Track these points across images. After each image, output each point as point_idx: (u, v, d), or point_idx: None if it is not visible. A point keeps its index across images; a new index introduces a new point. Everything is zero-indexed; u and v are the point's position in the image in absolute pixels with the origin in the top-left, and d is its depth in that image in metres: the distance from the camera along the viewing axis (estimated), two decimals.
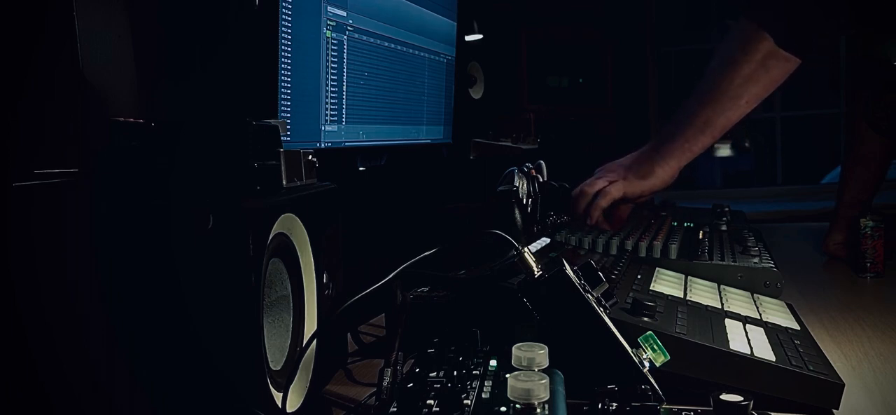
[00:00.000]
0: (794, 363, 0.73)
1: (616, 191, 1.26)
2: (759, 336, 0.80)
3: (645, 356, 0.67)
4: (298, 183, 0.75)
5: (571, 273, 0.69)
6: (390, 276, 0.71)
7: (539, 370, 0.56)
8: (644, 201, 1.38)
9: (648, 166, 1.27)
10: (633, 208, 1.37)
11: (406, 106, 1.40)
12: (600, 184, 1.27)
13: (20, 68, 0.62)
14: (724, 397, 0.55)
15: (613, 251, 1.15)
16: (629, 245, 1.15)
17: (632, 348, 0.67)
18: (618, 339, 0.67)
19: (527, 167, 1.25)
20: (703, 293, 0.96)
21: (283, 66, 0.98)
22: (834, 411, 0.71)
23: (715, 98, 1.22)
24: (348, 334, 1.00)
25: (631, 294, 0.86)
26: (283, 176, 0.72)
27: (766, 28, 1.18)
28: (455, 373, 0.58)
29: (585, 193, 1.27)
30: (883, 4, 1.14)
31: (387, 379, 0.61)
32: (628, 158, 1.31)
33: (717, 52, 1.28)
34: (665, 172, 1.26)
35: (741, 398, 0.55)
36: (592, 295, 0.70)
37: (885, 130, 1.44)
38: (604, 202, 1.26)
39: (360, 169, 1.26)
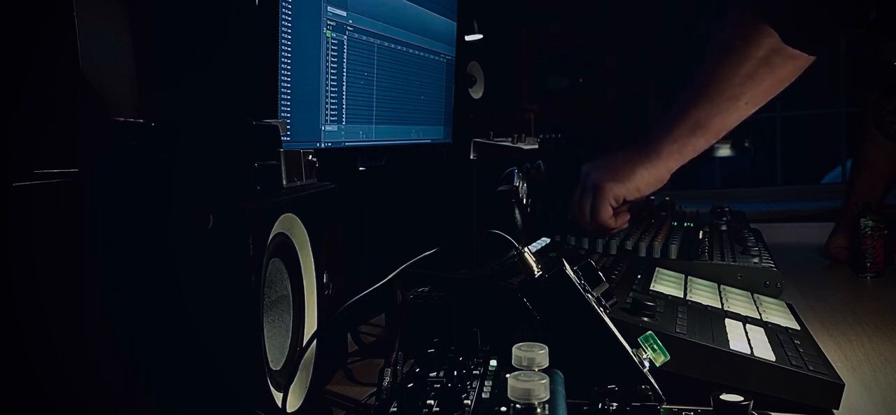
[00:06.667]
0: (794, 363, 0.73)
1: (607, 196, 1.15)
2: (759, 336, 0.80)
3: (645, 356, 0.67)
4: (298, 183, 0.75)
5: (571, 273, 0.69)
6: (390, 276, 0.72)
7: (539, 370, 0.56)
8: (641, 201, 1.26)
9: (629, 168, 1.13)
10: (632, 208, 1.33)
11: (406, 106, 1.40)
12: (588, 200, 1.17)
13: (20, 68, 0.62)
14: (724, 397, 0.55)
15: (613, 251, 1.15)
16: (629, 245, 1.15)
17: (632, 348, 0.67)
18: (618, 339, 0.67)
19: (527, 167, 1.25)
20: (703, 293, 0.96)
21: (283, 66, 0.98)
22: (834, 411, 0.71)
23: (711, 96, 1.08)
24: (348, 334, 1.00)
25: (631, 294, 0.86)
26: (283, 176, 0.72)
27: (769, 22, 1.05)
28: (455, 373, 0.58)
29: (582, 212, 1.18)
30: (884, 4, 1.12)
31: (387, 379, 0.61)
32: (609, 157, 1.18)
33: (713, 43, 1.12)
34: (650, 176, 1.12)
35: (741, 398, 0.55)
36: (592, 295, 0.70)
37: (892, 134, 1.43)
38: (603, 214, 1.15)
39: (360, 169, 1.26)
